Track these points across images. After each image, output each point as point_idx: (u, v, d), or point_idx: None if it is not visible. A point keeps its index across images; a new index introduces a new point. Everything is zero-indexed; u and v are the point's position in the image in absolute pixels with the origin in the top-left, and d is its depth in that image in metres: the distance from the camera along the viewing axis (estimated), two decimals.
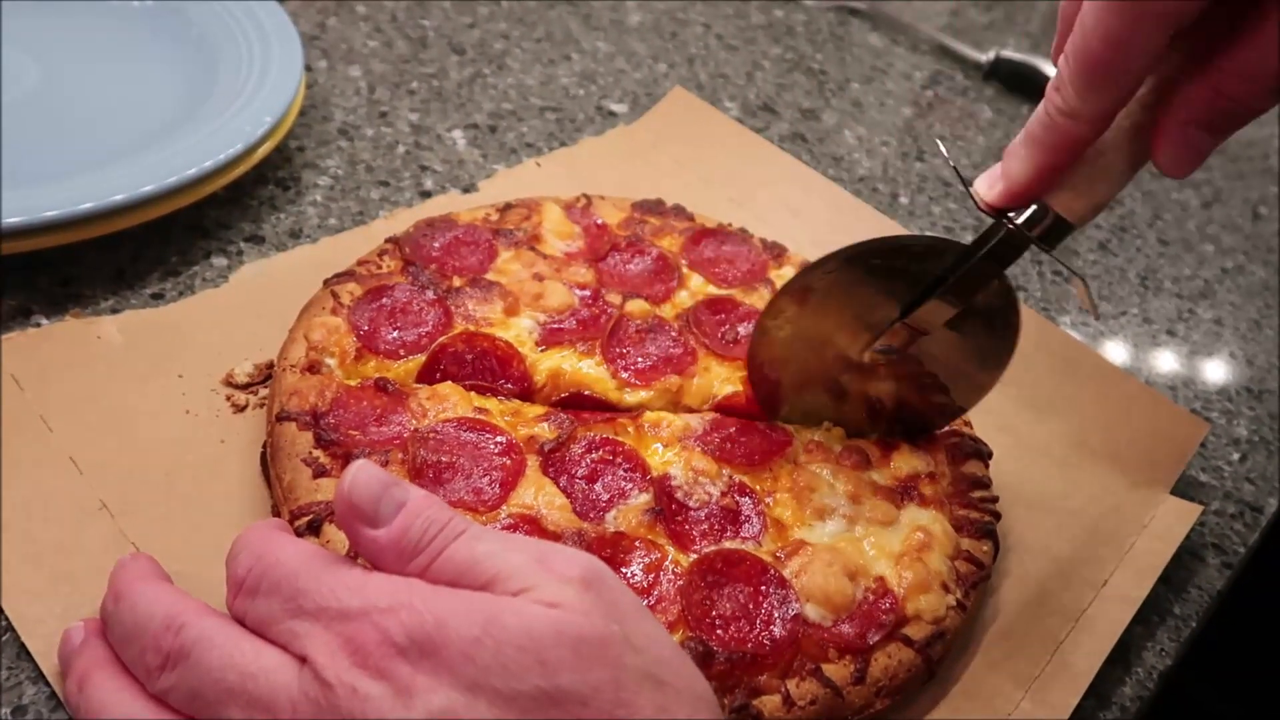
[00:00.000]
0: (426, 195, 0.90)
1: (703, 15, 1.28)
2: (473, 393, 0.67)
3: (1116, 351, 0.95)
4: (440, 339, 0.69)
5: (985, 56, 1.29)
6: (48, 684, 0.53)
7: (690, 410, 0.71)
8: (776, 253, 0.84)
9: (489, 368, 0.69)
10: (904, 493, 0.66)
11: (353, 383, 0.65)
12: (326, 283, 0.71)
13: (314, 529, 0.57)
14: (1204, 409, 0.91)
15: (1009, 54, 1.29)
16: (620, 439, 0.66)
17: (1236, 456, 0.87)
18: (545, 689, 0.39)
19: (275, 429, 0.62)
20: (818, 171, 1.05)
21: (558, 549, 0.45)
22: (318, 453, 0.61)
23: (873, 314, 0.65)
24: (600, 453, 0.64)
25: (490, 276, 0.75)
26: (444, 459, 0.61)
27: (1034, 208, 0.57)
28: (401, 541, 0.43)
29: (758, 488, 0.65)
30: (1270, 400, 0.94)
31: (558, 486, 0.61)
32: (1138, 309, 1.01)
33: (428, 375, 0.68)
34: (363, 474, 0.45)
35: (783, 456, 0.67)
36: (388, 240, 0.77)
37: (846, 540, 0.63)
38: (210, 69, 0.88)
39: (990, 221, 0.61)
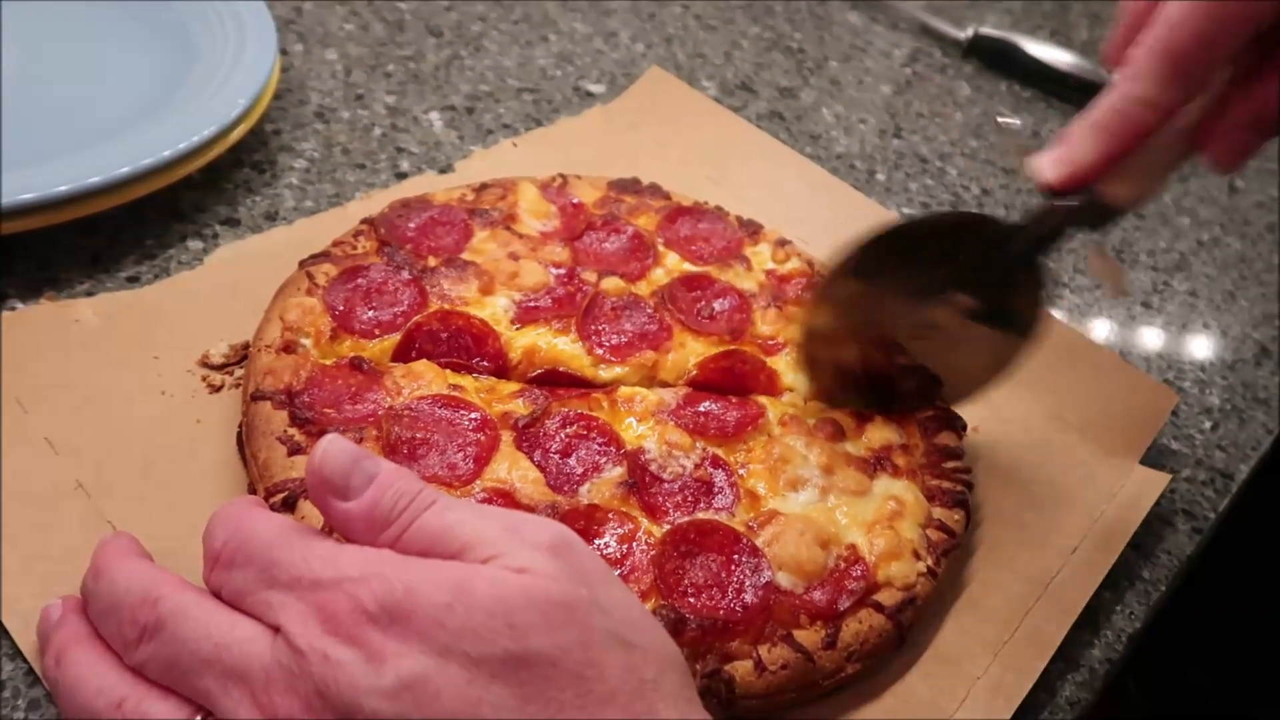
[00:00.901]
0: (403, 177, 0.90)
1: None
2: (448, 370, 0.68)
3: (1092, 324, 0.96)
4: (415, 318, 0.69)
5: (964, 34, 1.30)
6: (24, 660, 0.54)
7: (664, 386, 0.71)
8: (752, 230, 0.85)
9: (464, 345, 0.69)
10: (877, 463, 0.67)
11: (328, 362, 0.66)
12: (302, 264, 0.71)
13: (289, 505, 0.57)
14: (1177, 379, 0.92)
15: (988, 31, 1.29)
16: (594, 414, 0.67)
17: (1209, 425, 0.88)
18: (515, 652, 0.40)
19: (250, 408, 0.63)
20: (795, 150, 1.05)
21: (527, 518, 0.46)
22: (292, 431, 0.61)
23: (917, 288, 0.67)
24: (574, 427, 0.65)
25: (466, 256, 0.75)
26: (418, 435, 0.62)
27: (1083, 195, 0.60)
28: (373, 513, 0.44)
29: (731, 460, 0.66)
30: (1243, 370, 0.94)
31: (531, 461, 0.62)
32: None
33: (403, 354, 0.68)
34: (333, 447, 0.45)
35: (756, 429, 0.68)
36: (363, 221, 0.77)
37: (819, 510, 0.63)
38: (184, 53, 0.88)
39: (1038, 204, 0.63)
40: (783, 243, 0.83)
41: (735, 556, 0.60)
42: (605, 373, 0.70)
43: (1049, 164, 0.60)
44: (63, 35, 0.90)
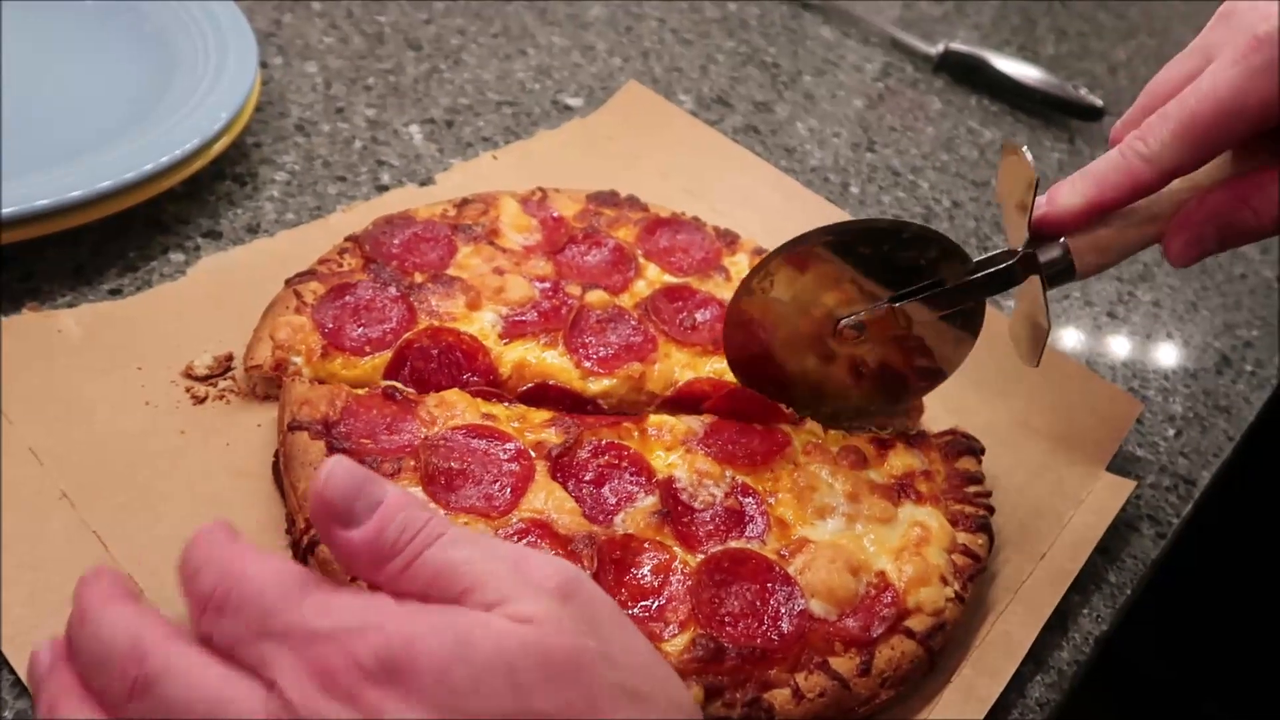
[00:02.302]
0: (384, 189, 0.90)
1: (657, 10, 1.30)
2: (479, 399, 0.67)
3: (1059, 334, 0.98)
4: (405, 335, 0.70)
5: (935, 49, 1.32)
6: (11, 671, 0.54)
7: (654, 397, 0.73)
8: (729, 240, 0.85)
9: (454, 361, 0.70)
10: (901, 490, 0.68)
11: (361, 392, 0.66)
12: (288, 282, 0.72)
13: None
14: (1142, 387, 0.94)
15: (958, 46, 1.32)
16: (625, 443, 0.66)
17: (1172, 432, 0.90)
18: (517, 713, 0.38)
19: (287, 438, 0.62)
20: (770, 163, 1.07)
21: (535, 556, 0.44)
22: None
23: (856, 289, 0.67)
24: (606, 457, 0.65)
25: (451, 272, 0.76)
26: (455, 466, 0.61)
27: (1056, 249, 0.63)
28: (377, 543, 0.42)
29: (760, 488, 0.66)
30: (1205, 378, 0.97)
31: (566, 491, 0.62)
32: (1079, 292, 1.04)
33: (394, 371, 0.69)
34: (338, 469, 0.43)
35: (782, 457, 0.68)
36: (347, 238, 0.78)
37: (848, 537, 0.64)
38: (166, 66, 0.89)
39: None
40: (760, 252, 0.84)
41: (770, 585, 0.60)
42: (594, 385, 0.71)
43: (1044, 200, 0.62)
44: (44, 49, 0.90)
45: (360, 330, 0.70)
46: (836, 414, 0.73)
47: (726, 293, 0.80)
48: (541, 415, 0.68)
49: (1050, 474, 0.80)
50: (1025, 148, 0.63)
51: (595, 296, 0.75)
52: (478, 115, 1.03)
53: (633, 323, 0.74)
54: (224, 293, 0.74)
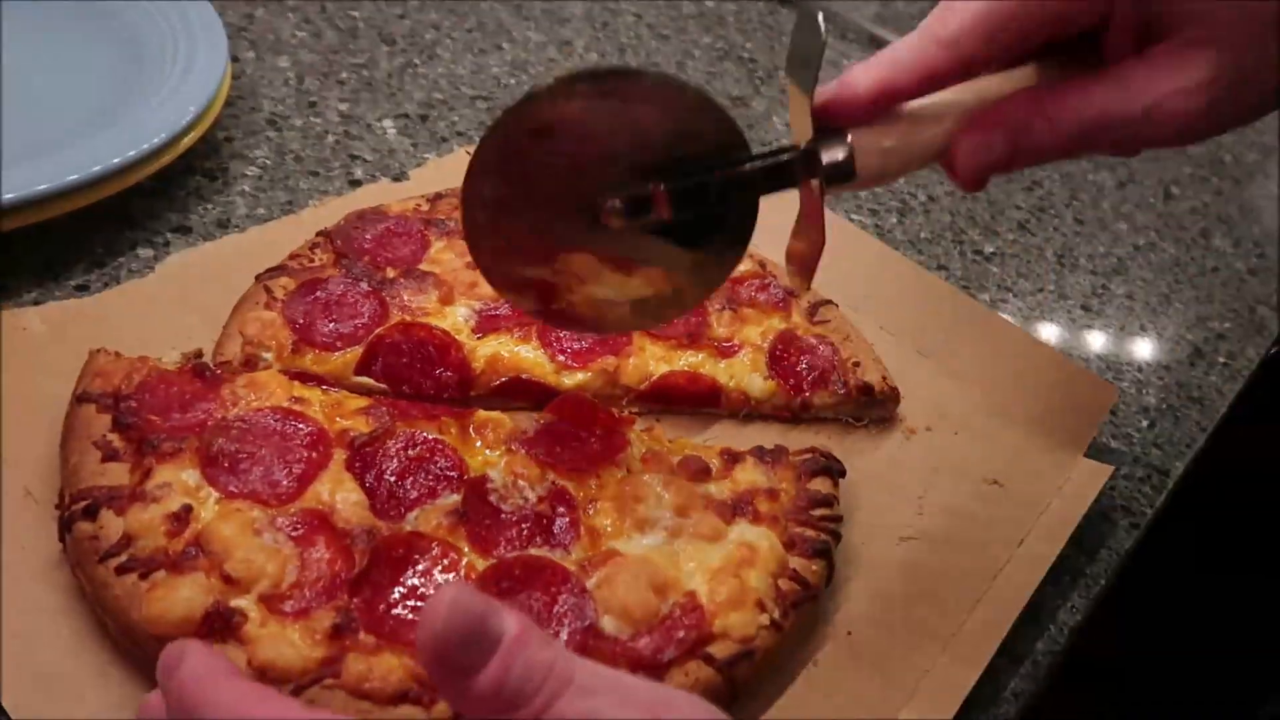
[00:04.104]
0: (356, 184, 0.89)
1: (634, 5, 1.29)
2: (295, 382, 0.65)
3: (1035, 327, 0.98)
4: (377, 330, 0.69)
5: None
6: None
7: (629, 390, 0.73)
8: None
9: (427, 356, 0.69)
10: (737, 507, 0.64)
11: (170, 367, 0.65)
12: (259, 277, 0.72)
13: (90, 514, 0.56)
14: (1116, 379, 0.94)
15: None
16: (442, 437, 0.63)
17: (1145, 424, 0.90)
18: None
19: (72, 409, 0.61)
20: None
21: (676, 700, 0.41)
22: (112, 436, 0.59)
23: (613, 167, 0.54)
24: (417, 449, 0.62)
25: (424, 267, 0.75)
26: (243, 449, 0.60)
27: (840, 149, 0.53)
28: (499, 694, 0.37)
29: (580, 495, 0.63)
30: (1178, 370, 0.98)
31: (362, 483, 0.60)
32: (1054, 286, 1.04)
33: (365, 367, 0.69)
34: (456, 611, 0.37)
35: (613, 463, 0.64)
36: (319, 233, 0.77)
37: (662, 553, 0.60)
38: (135, 60, 0.87)
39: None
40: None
41: (560, 597, 0.56)
42: (568, 379, 0.71)
43: (834, 84, 0.54)
44: (13, 44, 0.89)
45: (332, 326, 0.69)
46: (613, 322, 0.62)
47: None
48: (359, 402, 0.66)
49: (1027, 461, 0.79)
50: (821, 15, 0.52)
51: None
52: (452, 110, 1.02)
53: None
54: (192, 290, 0.73)
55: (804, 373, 0.77)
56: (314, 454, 0.61)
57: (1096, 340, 0.99)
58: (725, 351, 0.76)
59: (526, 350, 0.71)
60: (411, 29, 1.10)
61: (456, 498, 0.61)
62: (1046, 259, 1.07)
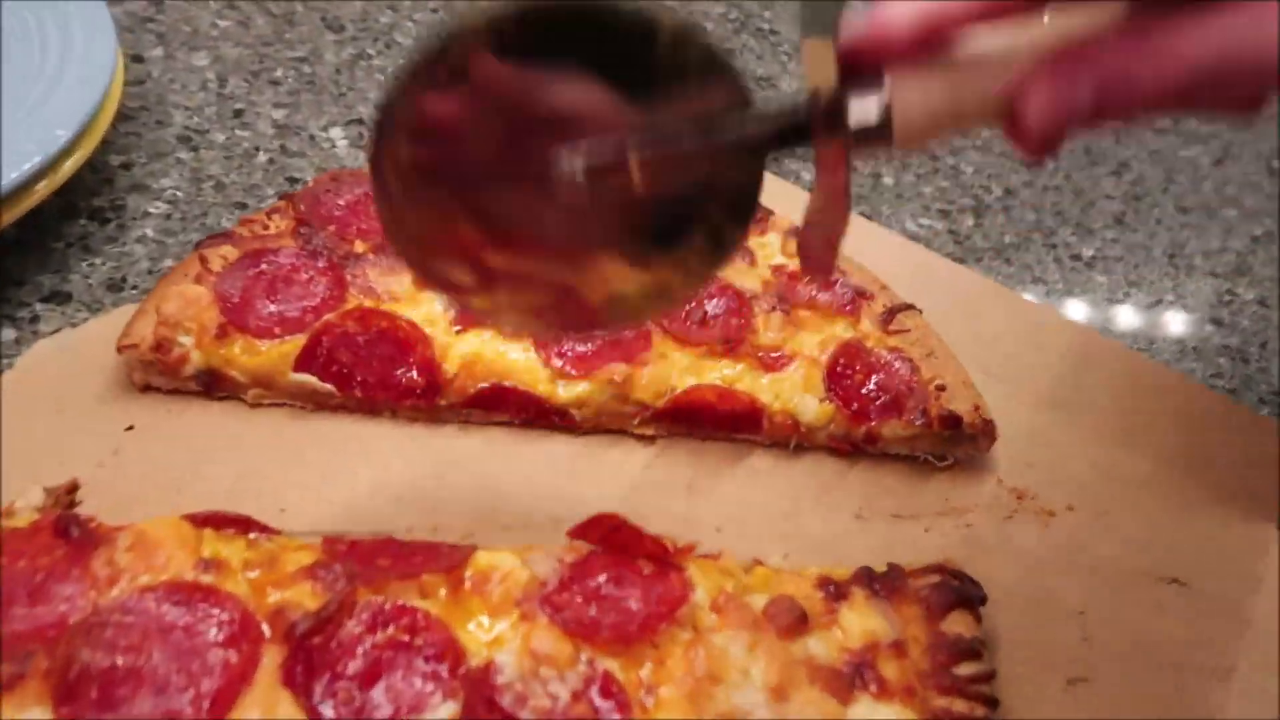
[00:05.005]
0: None
1: None
2: (207, 531, 0.49)
3: (1166, 349, 0.80)
4: (327, 316, 0.60)
5: None
6: None
7: (643, 407, 0.61)
8: (759, 216, 0.71)
9: (386, 354, 0.60)
10: (855, 676, 0.49)
11: (21, 522, 0.48)
12: (198, 245, 0.63)
13: None
14: (1274, 414, 0.76)
15: None
16: (424, 606, 0.47)
17: None
18: None
19: None
20: (785, 155, 0.87)
21: None
22: None
23: (578, 121, 0.43)
24: (389, 631, 0.46)
25: None
26: (120, 662, 0.43)
27: (871, 99, 0.42)
28: None
29: (632, 680, 0.47)
30: None
31: (307, 700, 0.43)
32: (1172, 293, 0.86)
33: (307, 361, 0.59)
34: None
35: (674, 622, 0.49)
36: (282, 196, 0.67)
37: None
38: None
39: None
40: (795, 232, 0.71)
41: None
42: (565, 390, 0.60)
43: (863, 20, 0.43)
44: None
45: (273, 307, 0.60)
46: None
47: (748, 280, 0.67)
48: (302, 557, 0.48)
49: (1208, 542, 0.63)
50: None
51: None
52: None
53: None
54: (68, 390, 0.59)
55: (871, 395, 0.64)
56: (233, 657, 0.44)
57: (1240, 361, 0.80)
58: (771, 364, 0.64)
59: (515, 352, 0.61)
60: (362, 11, 0.95)
61: (454, 706, 0.44)
62: (1156, 259, 0.89)
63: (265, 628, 0.45)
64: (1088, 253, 0.89)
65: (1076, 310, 0.82)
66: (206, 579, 0.46)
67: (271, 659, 0.44)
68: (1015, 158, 0.97)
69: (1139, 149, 1.03)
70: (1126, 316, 0.83)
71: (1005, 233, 0.88)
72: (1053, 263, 0.87)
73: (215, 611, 0.45)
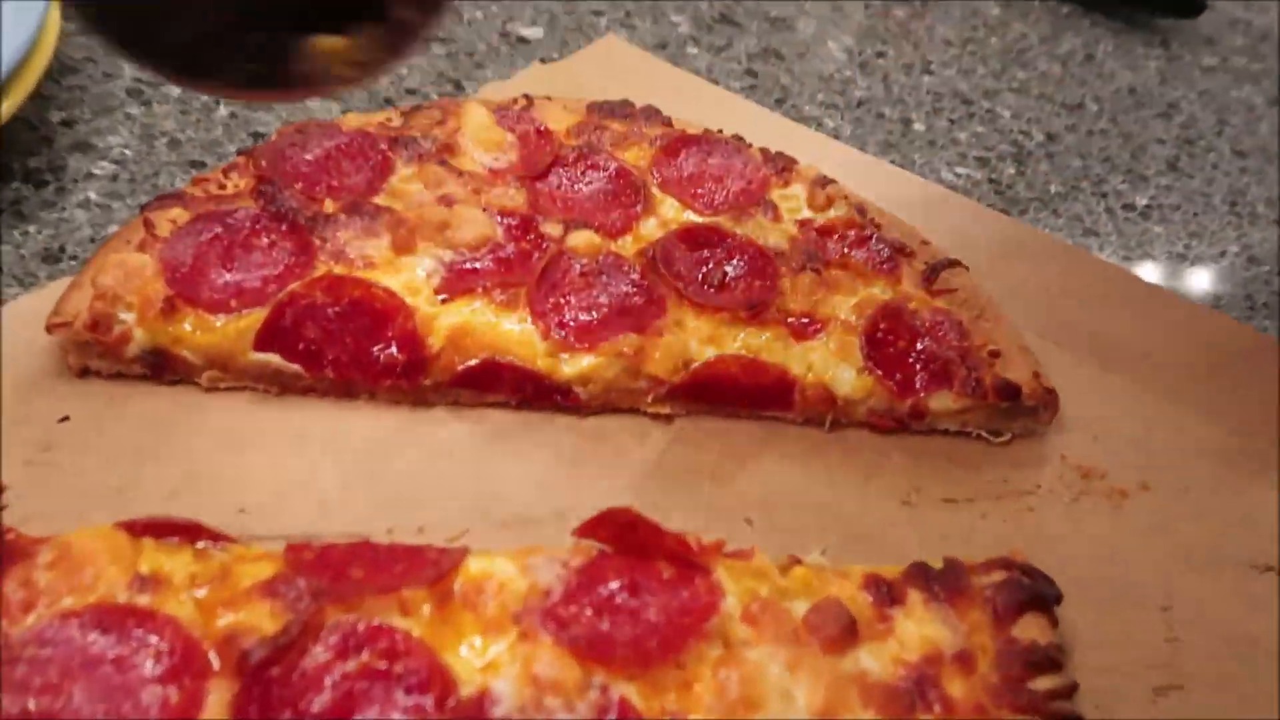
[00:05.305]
0: None
1: None
2: (145, 540, 0.42)
3: (1234, 306, 0.73)
4: (292, 285, 0.53)
5: None
6: None
7: (657, 383, 0.55)
8: (782, 165, 0.66)
9: (360, 327, 0.53)
10: (916, 695, 0.42)
11: None
12: (144, 208, 0.56)
13: None
14: None
15: None
16: (405, 626, 0.40)
17: None
18: None
19: None
20: (802, 99, 0.81)
21: None
22: None
23: None
24: (363, 657, 0.39)
25: (380, 200, 0.58)
26: (35, 706, 0.36)
27: None
28: None
29: (655, 706, 0.40)
30: None
31: None
32: (1237, 244, 0.79)
33: (268, 338, 0.53)
34: None
35: (701, 636, 0.42)
36: (240, 152, 0.61)
37: None
38: None
39: None
40: (823, 182, 0.65)
41: None
42: (568, 365, 0.55)
43: None
44: None
45: (229, 277, 0.53)
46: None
47: (773, 237, 0.62)
48: (261, 569, 0.41)
49: None
50: None
51: (581, 239, 0.59)
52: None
53: (633, 277, 0.59)
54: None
55: (916, 364, 0.59)
56: (174, 695, 0.37)
57: None
58: (802, 331, 0.59)
59: (511, 322, 0.55)
60: None
61: None
62: (1216, 208, 0.82)
63: (213, 657, 0.38)
64: (1141, 202, 0.81)
65: (1136, 264, 0.75)
66: (143, 600, 0.39)
67: (220, 696, 0.37)
68: (1054, 99, 0.89)
69: (1186, 89, 0.96)
70: (1189, 270, 0.76)
71: (1050, 181, 0.81)
72: (1104, 213, 0.79)
73: (152, 639, 0.38)
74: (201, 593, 0.40)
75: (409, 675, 0.38)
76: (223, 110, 0.68)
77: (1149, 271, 0.74)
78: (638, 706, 0.39)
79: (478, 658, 0.40)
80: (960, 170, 0.80)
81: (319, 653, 0.38)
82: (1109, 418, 0.59)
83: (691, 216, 0.63)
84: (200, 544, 0.42)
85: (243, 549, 0.42)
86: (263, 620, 0.39)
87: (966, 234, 0.67)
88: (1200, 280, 0.75)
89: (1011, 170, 0.81)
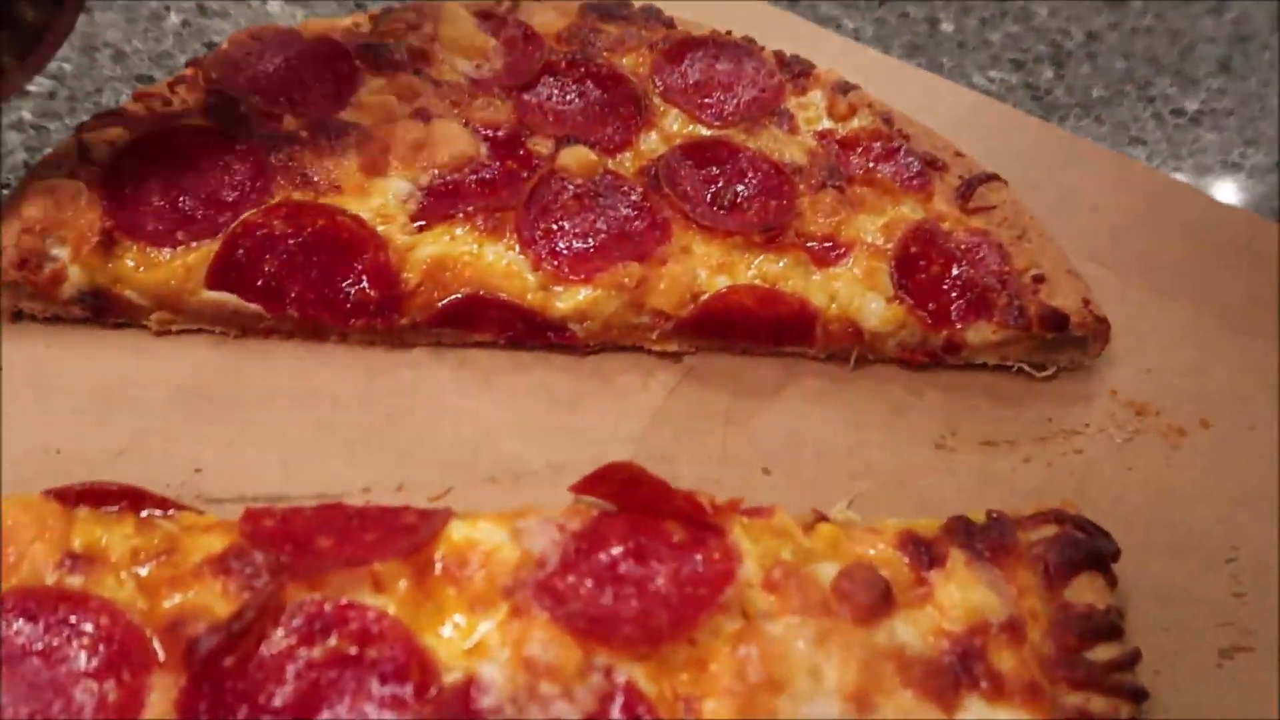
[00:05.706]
0: None
1: None
2: (80, 509, 0.38)
3: None
4: (246, 214, 0.48)
5: None
6: None
7: (662, 317, 0.50)
8: (798, 71, 0.63)
9: (326, 261, 0.48)
10: (961, 670, 0.38)
11: None
12: (79, 129, 0.51)
13: None
14: None
15: None
16: (379, 604, 0.36)
17: None
18: None
19: None
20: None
21: None
22: None
23: None
24: (331, 642, 0.35)
25: (346, 116, 0.54)
26: None
27: None
28: None
29: (666, 690, 0.36)
30: None
31: None
32: None
33: (220, 275, 0.47)
34: None
35: (717, 607, 0.37)
36: (189, 63, 0.55)
37: None
38: None
39: None
40: (844, 88, 0.61)
41: None
42: (562, 300, 0.50)
43: None
44: None
45: (176, 205, 0.48)
46: None
47: (790, 151, 0.57)
48: (214, 541, 0.37)
49: None
50: None
51: (575, 157, 0.54)
52: None
53: (633, 198, 0.54)
54: None
55: (952, 291, 0.54)
56: (111, 693, 0.33)
57: None
58: (823, 256, 0.54)
59: (496, 251, 0.50)
60: None
61: None
62: (1272, 112, 0.78)
63: (157, 646, 0.34)
64: (1191, 106, 0.75)
65: (1186, 175, 0.70)
66: (75, 581, 0.34)
67: (164, 693, 0.33)
68: None
69: None
70: (1246, 181, 0.70)
71: (1092, 85, 0.75)
72: (1151, 119, 0.73)
73: (86, 628, 0.34)
74: (144, 570, 0.35)
75: (384, 662, 0.34)
76: (174, 18, 0.63)
77: (1201, 183, 0.69)
78: (646, 691, 0.35)
79: (463, 639, 0.36)
80: (993, 74, 0.74)
81: (280, 638, 0.34)
82: (1164, 348, 0.54)
83: (699, 130, 0.58)
84: (144, 513, 0.37)
85: (193, 517, 0.38)
86: (214, 601, 0.34)
87: (1003, 144, 0.61)
88: (1259, 192, 0.70)
89: (1049, 73, 0.75)
